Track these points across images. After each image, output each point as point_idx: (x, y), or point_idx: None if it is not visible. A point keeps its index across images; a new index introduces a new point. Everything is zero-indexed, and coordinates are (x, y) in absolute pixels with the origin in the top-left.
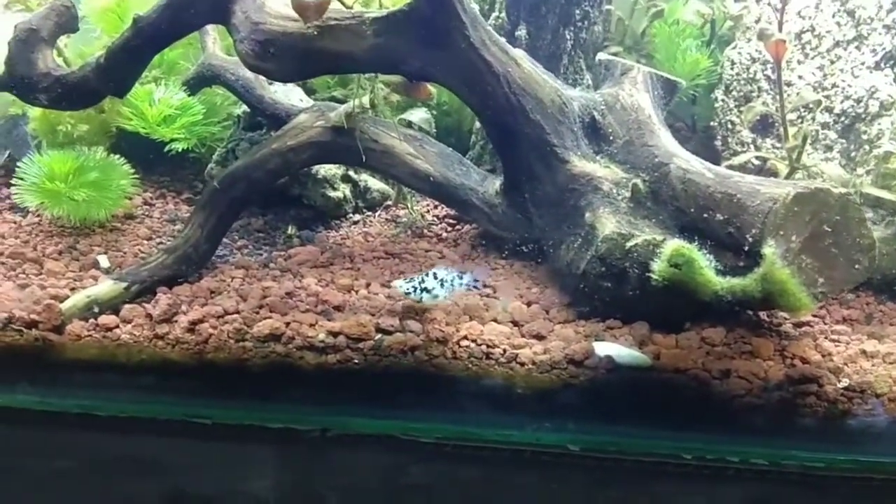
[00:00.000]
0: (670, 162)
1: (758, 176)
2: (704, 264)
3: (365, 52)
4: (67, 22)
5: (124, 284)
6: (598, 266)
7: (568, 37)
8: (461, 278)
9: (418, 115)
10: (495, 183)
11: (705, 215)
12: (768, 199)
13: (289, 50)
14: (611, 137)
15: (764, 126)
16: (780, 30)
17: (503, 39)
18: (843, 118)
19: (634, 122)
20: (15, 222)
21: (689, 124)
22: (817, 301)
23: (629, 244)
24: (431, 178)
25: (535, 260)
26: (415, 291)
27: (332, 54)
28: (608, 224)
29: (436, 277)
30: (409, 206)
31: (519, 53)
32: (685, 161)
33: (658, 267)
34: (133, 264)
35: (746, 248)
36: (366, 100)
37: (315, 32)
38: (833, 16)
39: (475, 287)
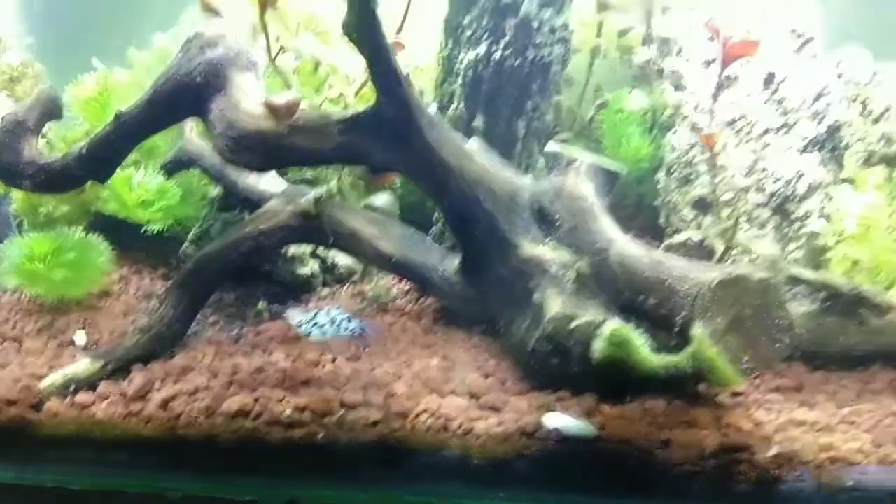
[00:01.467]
0: (610, 247)
1: (692, 258)
2: (640, 343)
3: (331, 148)
4: (52, 111)
5: (100, 363)
6: (546, 344)
7: (521, 126)
8: (349, 322)
9: (382, 198)
10: (454, 262)
11: (641, 297)
12: (695, 284)
13: (261, 146)
14: (558, 223)
15: (703, 205)
16: (712, 121)
17: (459, 136)
18: (774, 198)
19: (579, 210)
20: None
21: (635, 203)
22: (745, 376)
23: (573, 324)
24: (394, 259)
25: (491, 334)
26: (306, 324)
27: (301, 150)
28: (554, 305)
29: (328, 315)
30: (374, 283)
31: (474, 146)
32: (623, 246)
33: (598, 346)
34: (109, 341)
35: (678, 329)
36: (333, 184)
37: (285, 131)
38: (764, 103)
39: (360, 336)
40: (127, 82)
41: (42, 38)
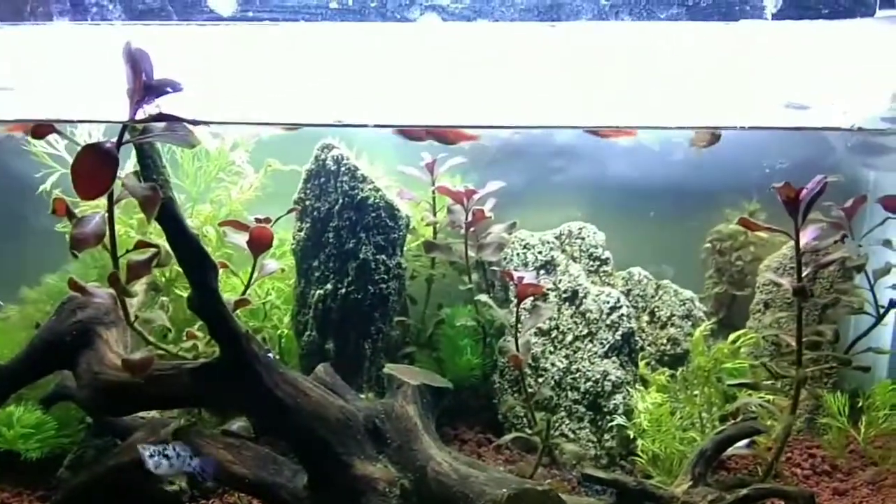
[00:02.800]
0: (427, 464)
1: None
2: None
3: (183, 394)
4: None
5: None
6: None
7: (367, 347)
8: (192, 460)
9: (238, 423)
10: (304, 478)
11: None
12: (489, 499)
13: (121, 395)
14: (388, 441)
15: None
16: (517, 346)
17: (296, 375)
18: (587, 395)
19: (405, 429)
20: None
21: (478, 403)
22: None
23: None
24: (247, 480)
25: None
26: (156, 456)
27: (157, 396)
28: None
29: (174, 450)
30: (237, 495)
31: (321, 372)
32: (438, 464)
33: None
34: None
35: None
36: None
37: (142, 381)
38: (571, 317)
39: (201, 474)
40: (17, 318)
41: None
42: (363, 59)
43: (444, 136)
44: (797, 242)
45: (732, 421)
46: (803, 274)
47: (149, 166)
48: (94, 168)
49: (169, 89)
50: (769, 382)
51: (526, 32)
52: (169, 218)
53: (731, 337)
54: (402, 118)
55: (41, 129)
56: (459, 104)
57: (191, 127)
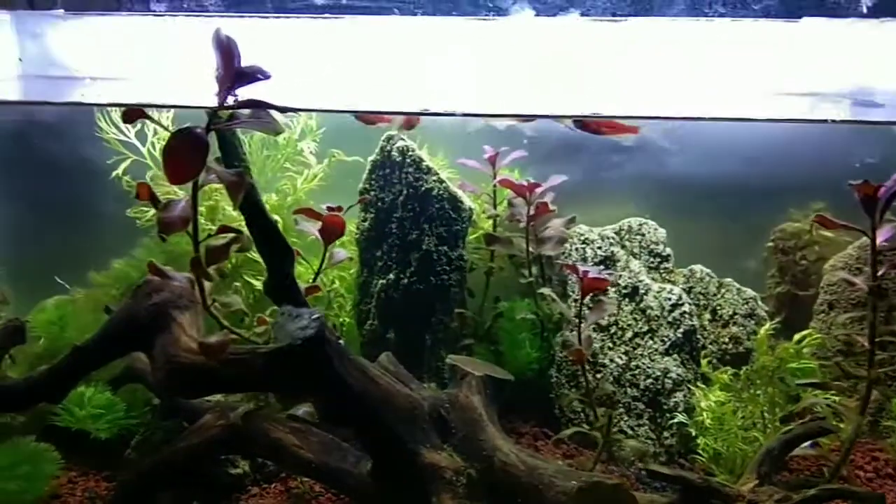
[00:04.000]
0: (494, 455)
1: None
2: None
3: (255, 378)
4: (17, 337)
5: None
6: None
7: (428, 338)
8: None
9: (303, 409)
10: (368, 465)
11: (519, 501)
12: (559, 491)
13: (195, 378)
14: (453, 431)
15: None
16: (580, 340)
17: (365, 362)
18: (647, 392)
19: (469, 420)
20: None
21: (533, 397)
22: None
23: None
24: (313, 465)
25: None
26: None
27: (232, 380)
28: None
29: None
30: (299, 480)
31: (384, 361)
32: (505, 454)
33: None
34: None
35: None
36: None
37: (217, 364)
38: (631, 313)
39: None
40: (85, 302)
41: (8, 261)
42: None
43: (596, 127)
44: (873, 241)
45: (798, 421)
46: (878, 273)
47: (231, 153)
48: (184, 152)
49: (259, 76)
50: (836, 383)
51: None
52: (250, 204)
53: (796, 337)
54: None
55: (132, 114)
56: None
57: (275, 114)
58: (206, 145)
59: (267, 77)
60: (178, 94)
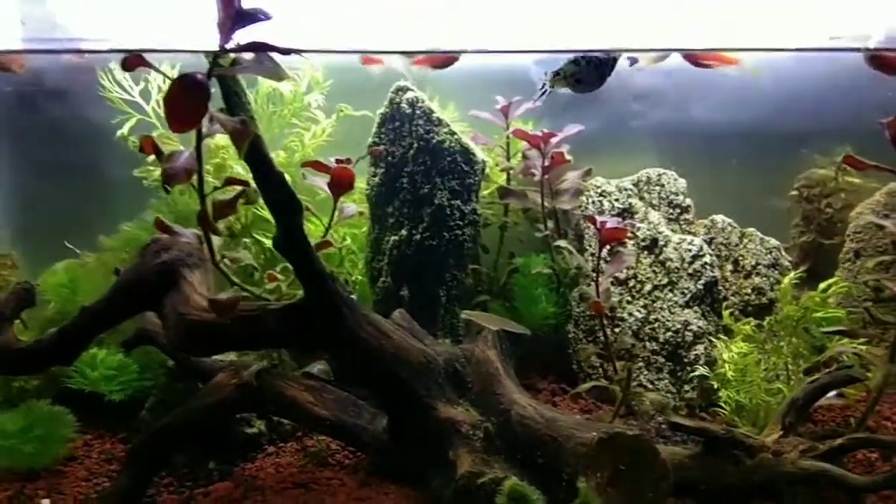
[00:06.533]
0: (511, 408)
1: (582, 415)
2: (535, 498)
3: (267, 335)
4: (27, 300)
5: None
6: (458, 498)
7: (442, 294)
8: None
9: (318, 366)
10: (383, 422)
11: (538, 453)
12: (579, 442)
13: (206, 335)
14: (469, 385)
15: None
16: (598, 292)
17: (378, 317)
18: (667, 346)
19: (486, 374)
20: None
21: (553, 351)
22: None
23: (479, 481)
24: (328, 422)
25: (420, 487)
26: None
27: (242, 337)
28: (465, 462)
29: None
30: (316, 438)
31: (397, 317)
32: (522, 408)
33: (499, 501)
34: None
35: (566, 483)
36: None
37: (228, 322)
38: (650, 266)
39: None
40: (95, 265)
41: (17, 225)
42: None
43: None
44: None
45: (825, 370)
46: None
47: (235, 102)
48: (185, 99)
49: (261, 16)
50: (864, 331)
51: None
52: (256, 155)
53: (822, 286)
54: None
55: (132, 61)
56: None
57: (279, 58)
58: (206, 90)
59: (268, 18)
60: (180, 41)
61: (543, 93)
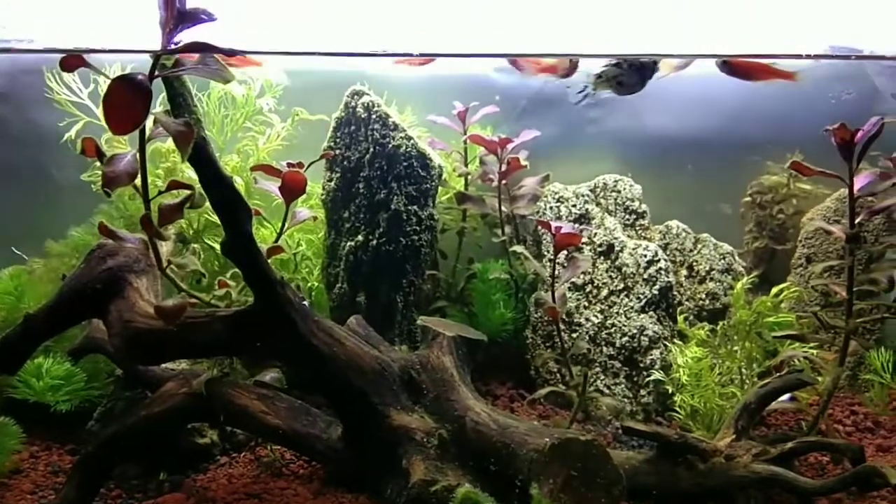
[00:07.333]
0: (466, 415)
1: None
2: None
3: (217, 342)
4: None
5: None
6: None
7: (399, 300)
8: None
9: (270, 375)
10: (338, 430)
11: (491, 460)
12: (532, 448)
13: (153, 343)
14: (424, 391)
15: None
16: (554, 298)
17: (331, 323)
18: (623, 351)
19: (441, 380)
20: None
21: (513, 356)
22: None
23: (432, 489)
24: (281, 431)
25: (372, 496)
26: None
27: (191, 345)
28: (418, 470)
29: None
30: (269, 448)
31: (353, 323)
32: (476, 414)
33: None
34: None
35: (519, 489)
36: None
37: (175, 329)
38: (606, 271)
39: None
40: (43, 272)
41: None
42: None
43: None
44: (851, 187)
45: (776, 374)
46: (856, 220)
47: (180, 104)
48: (126, 100)
49: (203, 17)
50: (814, 335)
51: None
52: (202, 159)
53: (774, 290)
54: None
55: (70, 61)
56: None
57: (222, 60)
58: (147, 92)
59: (212, 19)
60: (129, 41)
61: (585, 95)
